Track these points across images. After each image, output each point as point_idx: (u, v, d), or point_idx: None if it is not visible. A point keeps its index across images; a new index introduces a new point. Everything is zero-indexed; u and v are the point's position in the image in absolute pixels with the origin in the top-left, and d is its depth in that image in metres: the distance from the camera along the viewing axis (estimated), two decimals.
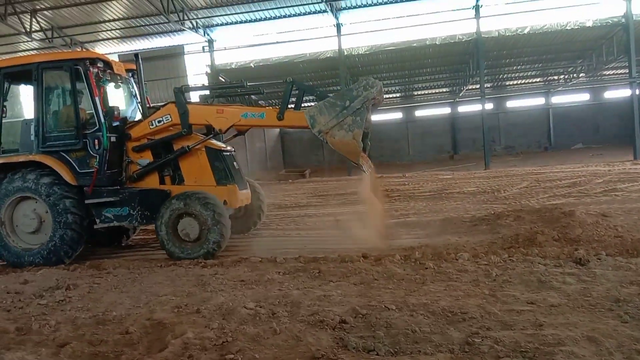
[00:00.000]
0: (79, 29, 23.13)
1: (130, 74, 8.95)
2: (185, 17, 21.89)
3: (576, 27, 21.53)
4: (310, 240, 8.67)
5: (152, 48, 25.66)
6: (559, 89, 30.06)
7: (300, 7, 22.02)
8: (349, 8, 22.33)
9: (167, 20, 21.65)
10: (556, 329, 3.80)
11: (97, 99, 7.74)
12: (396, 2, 21.55)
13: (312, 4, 21.59)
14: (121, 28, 23.56)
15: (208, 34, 24.43)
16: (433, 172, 20.56)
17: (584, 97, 31.21)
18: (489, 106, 30.01)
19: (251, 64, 25.68)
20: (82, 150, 7.80)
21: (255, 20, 22.89)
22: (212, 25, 23.88)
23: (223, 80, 25.11)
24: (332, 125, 6.88)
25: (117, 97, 8.63)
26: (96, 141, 7.74)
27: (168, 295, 5.47)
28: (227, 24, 23.55)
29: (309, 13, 22.47)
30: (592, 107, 30.78)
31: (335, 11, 22.17)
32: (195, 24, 23.09)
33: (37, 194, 7.78)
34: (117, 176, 8.08)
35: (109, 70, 8.25)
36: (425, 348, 3.66)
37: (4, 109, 8.17)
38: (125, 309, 5.07)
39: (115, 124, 8.01)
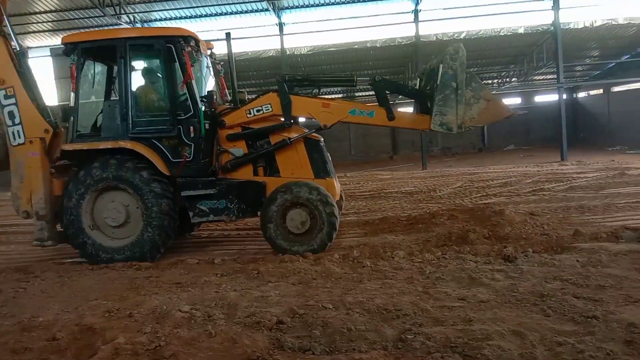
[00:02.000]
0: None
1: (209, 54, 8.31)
2: (122, 11, 21.16)
3: (509, 34, 22.47)
4: (250, 240, 8.60)
5: None
6: (492, 92, 31.27)
7: (242, 5, 21.80)
8: (291, 8, 22.32)
9: (102, 14, 20.86)
10: (484, 324, 3.96)
11: (192, 82, 7.10)
12: (338, 4, 21.75)
13: (254, 2, 21.43)
14: (53, 20, 22.45)
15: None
16: (373, 172, 20.89)
17: (516, 100, 32.62)
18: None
19: None
20: (175, 137, 7.15)
21: (196, 17, 22.46)
22: (150, 20, 23.21)
23: None
24: (462, 111, 6.46)
25: (201, 80, 7.90)
26: (192, 128, 7.09)
27: (99, 299, 5.29)
28: (166, 19, 22.96)
29: (251, 11, 22.29)
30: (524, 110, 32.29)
31: (278, 10, 22.10)
32: (132, 19, 22.37)
33: (129, 185, 7.07)
34: (209, 166, 7.44)
35: (199, 50, 7.58)
36: (360, 346, 3.72)
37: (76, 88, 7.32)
38: (52, 314, 4.85)
39: (208, 109, 7.34)
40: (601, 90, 28.19)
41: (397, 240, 7.42)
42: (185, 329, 4.19)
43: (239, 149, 7.50)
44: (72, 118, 7.36)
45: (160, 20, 22.98)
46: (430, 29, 22.55)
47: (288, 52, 23.62)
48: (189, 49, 7.16)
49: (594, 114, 28.82)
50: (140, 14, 22.43)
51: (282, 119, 7.52)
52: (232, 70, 7.82)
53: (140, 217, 7.15)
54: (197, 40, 7.52)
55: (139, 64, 7.76)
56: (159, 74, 7.52)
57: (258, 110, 7.41)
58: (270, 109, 7.41)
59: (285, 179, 7.33)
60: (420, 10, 21.56)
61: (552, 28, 20.91)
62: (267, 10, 21.84)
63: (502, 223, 7.35)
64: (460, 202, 10.59)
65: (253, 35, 23.90)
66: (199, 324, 4.31)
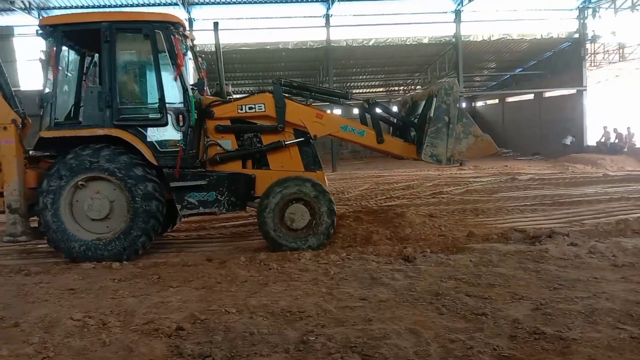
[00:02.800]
0: None
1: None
2: None
3: (414, 43, 23.46)
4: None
5: None
6: (398, 99, 32.52)
7: None
8: (202, 4, 21.85)
9: None
10: (383, 323, 4.10)
11: (182, 69, 6.78)
12: (251, 2, 21.60)
13: None
14: None
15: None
16: None
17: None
18: (337, 112, 31.46)
19: None
20: (163, 126, 6.79)
21: (95, 7, 21.25)
22: (48, 8, 21.68)
23: None
24: (452, 145, 6.61)
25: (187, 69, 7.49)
26: (181, 117, 6.73)
27: None
28: (65, 7, 21.55)
29: (159, 4, 21.51)
30: None
31: (187, 5, 21.52)
32: (27, 5, 20.77)
33: (113, 175, 6.58)
34: (196, 157, 7.13)
35: (186, 38, 7.19)
36: (262, 350, 3.71)
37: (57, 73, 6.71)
38: None
39: (195, 99, 7.00)
40: (497, 100, 30.24)
41: None
42: (77, 338, 3.96)
43: (228, 140, 7.34)
44: (50, 105, 6.81)
45: (59, 8, 21.55)
46: (340, 35, 22.99)
47: (198, 49, 23.06)
48: (179, 36, 6.99)
49: (490, 122, 30.82)
50: (36, 0, 20.92)
51: (275, 122, 7.38)
52: (220, 62, 7.52)
53: (125, 213, 6.74)
54: (184, 28, 7.34)
55: (126, 49, 7.36)
56: (148, 60, 7.18)
57: (250, 108, 7.31)
58: (264, 109, 7.31)
59: (275, 171, 7.29)
60: (331, 15, 21.92)
61: (453, 40, 22.13)
62: (176, 4, 21.20)
63: (403, 224, 7.63)
64: (366, 204, 10.89)
65: None
66: (92, 332, 4.08)
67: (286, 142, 7.36)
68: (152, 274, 5.82)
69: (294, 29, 23.28)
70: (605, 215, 8.95)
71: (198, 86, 7.19)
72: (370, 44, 22.96)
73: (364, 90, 32.71)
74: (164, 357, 3.60)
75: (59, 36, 6.82)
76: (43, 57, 6.93)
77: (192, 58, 8.10)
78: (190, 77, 7.84)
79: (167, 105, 6.86)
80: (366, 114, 7.79)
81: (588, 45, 22.05)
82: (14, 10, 20.51)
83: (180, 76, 6.87)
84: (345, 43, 23.14)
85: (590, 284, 4.93)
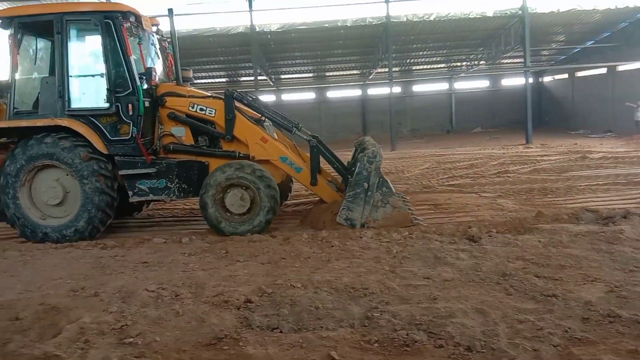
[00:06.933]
0: None
1: (154, 31, 8.10)
2: None
3: (478, 16, 22.61)
4: None
5: None
6: (461, 75, 31.61)
7: None
8: None
9: None
10: (449, 302, 4.06)
11: (131, 58, 6.97)
12: None
13: None
14: None
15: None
16: (343, 152, 20.92)
17: (484, 83, 33.04)
18: (397, 90, 30.98)
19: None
20: (113, 115, 7.05)
21: None
22: None
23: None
24: (368, 212, 6.69)
25: (147, 57, 7.66)
26: (130, 106, 6.98)
27: (63, 278, 5.19)
28: None
29: None
30: (491, 94, 32.72)
31: None
32: None
33: (64, 163, 6.94)
34: (150, 145, 7.37)
35: (140, 26, 7.38)
36: (327, 324, 3.77)
37: (17, 64, 7.13)
38: (15, 294, 4.75)
39: (146, 87, 7.24)
40: (566, 75, 28.77)
41: None
42: (152, 308, 4.17)
43: (182, 128, 7.48)
44: (8, 95, 7.20)
45: None
46: (400, 10, 22.50)
47: (257, 29, 23.25)
48: (128, 24, 7.08)
49: (558, 98, 29.46)
50: None
51: (223, 130, 7.46)
52: (175, 48, 7.78)
53: (78, 195, 7.04)
54: (137, 16, 7.38)
55: (77, 39, 7.58)
56: (98, 50, 7.31)
57: (202, 109, 7.42)
58: (213, 115, 7.43)
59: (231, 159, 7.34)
60: None
61: (520, 12, 21.13)
62: None
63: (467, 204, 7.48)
64: (427, 183, 10.73)
65: (221, 11, 23.39)
66: (166, 303, 4.29)
67: (240, 154, 7.38)
68: (220, 249, 6.03)
69: (352, 5, 22.95)
70: None
71: (146, 75, 7.18)
72: (432, 18, 22.33)
73: (425, 67, 32.03)
74: (234, 328, 3.73)
75: (15, 27, 7.08)
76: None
77: (154, 43, 8.15)
78: (153, 65, 7.84)
79: (116, 94, 7.02)
80: (313, 152, 7.46)
81: None
82: None
83: (127, 65, 7.00)
84: (405, 18, 22.63)
85: None
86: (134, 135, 7.10)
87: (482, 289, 4.39)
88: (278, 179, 7.44)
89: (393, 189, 7.01)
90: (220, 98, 7.50)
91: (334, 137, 33.13)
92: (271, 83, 30.80)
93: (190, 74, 8.39)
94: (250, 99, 7.73)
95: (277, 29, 23.89)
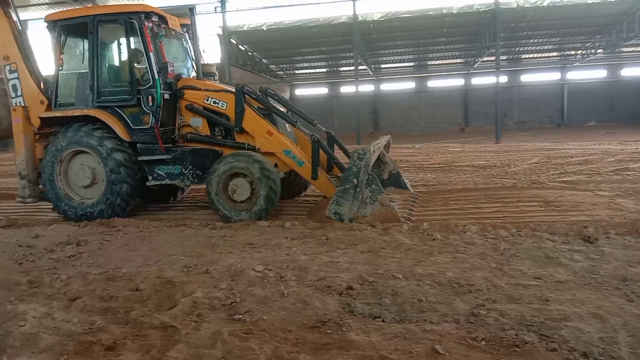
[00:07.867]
0: None
1: (184, 29, 8.83)
2: None
3: (597, 1, 20.97)
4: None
5: (161, 7, 25.03)
6: (575, 64, 29.54)
7: None
8: None
9: None
10: (562, 304, 3.82)
11: (151, 54, 7.63)
12: None
13: None
14: None
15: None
16: (443, 144, 20.41)
17: (600, 73, 30.64)
18: (503, 79, 29.60)
19: (263, 27, 25.26)
20: (135, 106, 7.76)
21: None
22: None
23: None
24: (356, 207, 6.76)
25: (171, 53, 8.45)
26: (150, 98, 7.65)
27: (177, 254, 5.55)
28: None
29: None
30: (608, 84, 30.22)
31: None
32: None
33: (91, 148, 7.80)
34: (170, 134, 8.05)
35: (163, 25, 8.13)
36: (431, 317, 3.70)
37: (61, 61, 8.12)
38: (135, 267, 5.15)
39: (169, 80, 7.91)
40: None
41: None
42: (259, 287, 4.33)
43: (198, 118, 8.01)
44: (53, 89, 8.13)
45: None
46: None
47: (360, 19, 23.20)
48: (150, 23, 7.72)
49: None
50: None
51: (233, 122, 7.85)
52: (196, 43, 8.43)
53: (104, 174, 7.81)
54: (161, 16, 8.06)
55: (110, 38, 8.28)
56: (123, 47, 8.01)
57: (215, 102, 7.91)
58: (225, 108, 7.86)
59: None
60: None
61: None
62: None
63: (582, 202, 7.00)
64: (536, 179, 10.17)
65: (323, 1, 23.61)
66: (272, 283, 4.44)
67: (249, 146, 7.72)
68: (321, 235, 6.13)
69: None
70: None
71: (162, 69, 7.73)
72: (545, 4, 21.06)
73: (534, 56, 30.29)
74: (336, 313, 3.78)
75: (59, 29, 8.00)
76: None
77: (183, 41, 8.79)
78: (182, 60, 8.63)
79: (137, 87, 7.65)
80: (314, 147, 7.54)
81: None
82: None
83: (148, 60, 7.60)
84: (515, 4, 21.53)
85: None
86: (152, 125, 7.69)
87: (599, 293, 4.08)
88: (285, 169, 7.79)
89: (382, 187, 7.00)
90: (232, 92, 7.91)
91: (433, 128, 32.43)
92: (371, 72, 30.67)
93: (214, 69, 9.05)
94: (255, 95, 8.01)
95: (380, 17, 23.71)
